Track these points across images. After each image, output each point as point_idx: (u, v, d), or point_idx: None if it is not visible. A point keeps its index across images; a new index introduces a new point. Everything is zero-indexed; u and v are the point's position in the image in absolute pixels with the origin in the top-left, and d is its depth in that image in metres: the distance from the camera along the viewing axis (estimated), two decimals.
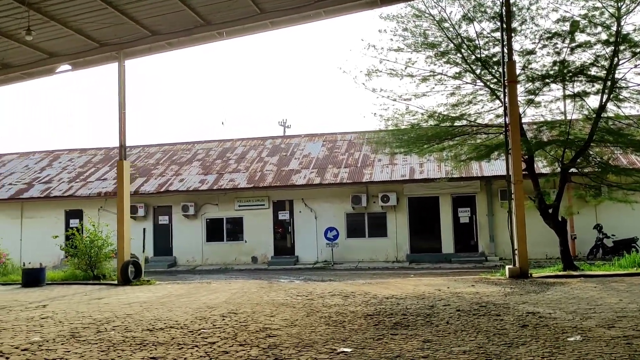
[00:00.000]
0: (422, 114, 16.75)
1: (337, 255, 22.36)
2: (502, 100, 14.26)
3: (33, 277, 15.11)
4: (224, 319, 8.09)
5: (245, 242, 23.54)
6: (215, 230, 23.89)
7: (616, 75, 14.64)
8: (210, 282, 14.84)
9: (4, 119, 73.86)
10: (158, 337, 6.83)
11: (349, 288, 11.94)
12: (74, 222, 24.79)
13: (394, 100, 16.65)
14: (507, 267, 13.47)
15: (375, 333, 6.69)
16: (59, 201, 24.55)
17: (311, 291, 11.48)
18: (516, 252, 13.24)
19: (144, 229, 16.70)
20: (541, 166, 18.75)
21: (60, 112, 78.22)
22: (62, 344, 6.69)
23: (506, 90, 13.59)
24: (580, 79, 15.44)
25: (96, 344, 6.60)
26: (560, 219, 15.14)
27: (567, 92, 15.95)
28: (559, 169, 15.70)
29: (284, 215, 23.44)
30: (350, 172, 22.89)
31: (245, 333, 6.94)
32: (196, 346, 6.29)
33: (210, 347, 6.20)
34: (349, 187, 22.41)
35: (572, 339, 6.03)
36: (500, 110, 15.62)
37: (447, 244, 21.98)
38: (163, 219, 24.24)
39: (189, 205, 23.41)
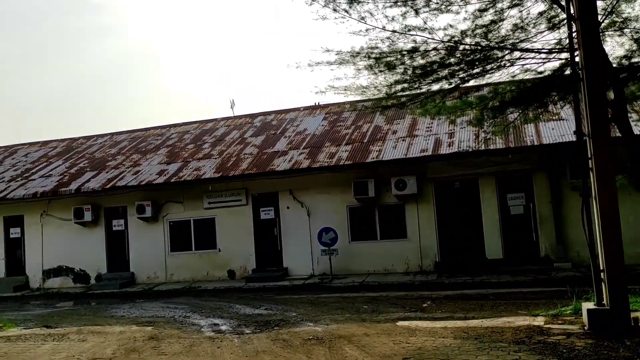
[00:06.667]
0: (437, 48, 10.33)
1: (339, 265, 16.08)
2: None
3: None
4: None
5: (219, 251, 17.65)
6: (181, 237, 18.13)
7: None
8: (48, 341, 8.81)
9: None
10: None
11: None
12: (15, 232, 19.87)
13: (393, 32, 10.23)
14: (585, 306, 6.80)
15: None
16: None
17: None
18: (603, 275, 6.56)
19: None
20: (636, 119, 11.75)
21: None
22: None
23: None
24: None
25: None
26: None
27: None
28: None
29: (267, 214, 17.35)
30: (353, 151, 16.49)
31: None
32: None
33: None
34: (349, 172, 16.04)
35: None
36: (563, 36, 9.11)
37: (493, 246, 15.19)
38: (118, 224, 18.73)
39: (145, 204, 17.75)
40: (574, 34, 7.40)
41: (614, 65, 8.65)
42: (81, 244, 18.74)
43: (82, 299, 16.71)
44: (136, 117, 68.41)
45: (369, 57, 10.29)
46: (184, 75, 76.29)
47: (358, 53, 9.36)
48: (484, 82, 11.16)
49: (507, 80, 10.06)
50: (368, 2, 10.11)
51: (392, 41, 10.36)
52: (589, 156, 6.92)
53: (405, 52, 9.51)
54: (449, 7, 10.14)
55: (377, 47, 10.30)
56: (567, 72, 9.49)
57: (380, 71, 9.64)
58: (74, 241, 18.75)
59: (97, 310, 13.72)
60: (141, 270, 18.30)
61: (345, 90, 9.68)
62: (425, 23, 10.15)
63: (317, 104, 21.55)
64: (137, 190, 17.83)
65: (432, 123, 16.80)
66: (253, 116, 22.01)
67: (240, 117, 22.42)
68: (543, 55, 10.14)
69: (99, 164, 20.08)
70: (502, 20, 10.18)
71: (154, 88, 74.86)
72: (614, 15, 9.77)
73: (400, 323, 8.14)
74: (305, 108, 21.45)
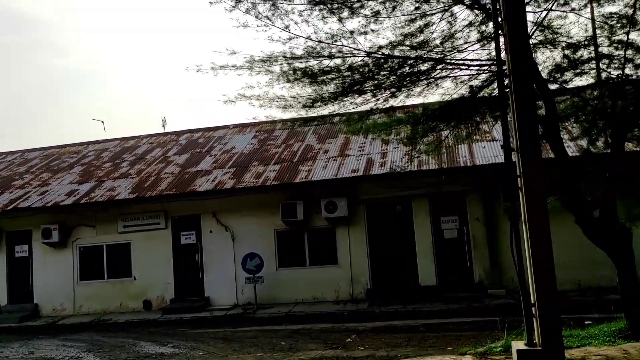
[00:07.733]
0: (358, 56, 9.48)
1: (266, 294, 14.87)
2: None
3: None
4: None
5: (134, 279, 16.09)
6: (92, 264, 16.43)
7: None
8: None
9: None
10: None
11: None
12: None
13: (318, 42, 9.31)
14: (515, 345, 5.93)
15: None
16: None
17: None
18: (534, 310, 5.72)
19: None
20: (567, 139, 11.29)
21: None
22: None
23: None
24: None
25: None
26: (618, 227, 7.63)
27: None
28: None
29: (188, 238, 15.97)
30: (281, 170, 15.46)
31: None
32: None
33: None
34: (277, 193, 14.97)
35: None
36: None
37: (427, 271, 14.40)
38: (21, 250, 16.86)
39: (52, 228, 16.02)
40: (501, 39, 6.70)
41: (544, 77, 8.03)
42: None
43: None
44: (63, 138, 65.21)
45: (289, 65, 9.35)
46: (115, 97, 73.68)
47: (269, 57, 8.37)
48: (413, 98, 10.40)
49: (437, 95, 9.33)
50: (294, 12, 9.21)
51: (317, 51, 9.51)
52: (518, 174, 6.14)
53: (324, 57, 8.60)
54: (376, 19, 9.37)
55: (296, 55, 9.39)
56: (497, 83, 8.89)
57: (297, 79, 8.68)
58: None
59: None
60: (46, 301, 16.45)
61: (258, 99, 8.64)
62: (351, 34, 9.35)
63: (250, 121, 20.42)
64: (43, 212, 16.11)
65: (364, 143, 16.05)
66: (179, 134, 20.69)
67: (165, 134, 21.03)
68: (475, 68, 9.52)
69: (3, 184, 18.18)
70: (432, 32, 9.51)
71: (87, 108, 71.83)
72: (546, 31, 9.27)
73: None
74: (235, 126, 20.33)
